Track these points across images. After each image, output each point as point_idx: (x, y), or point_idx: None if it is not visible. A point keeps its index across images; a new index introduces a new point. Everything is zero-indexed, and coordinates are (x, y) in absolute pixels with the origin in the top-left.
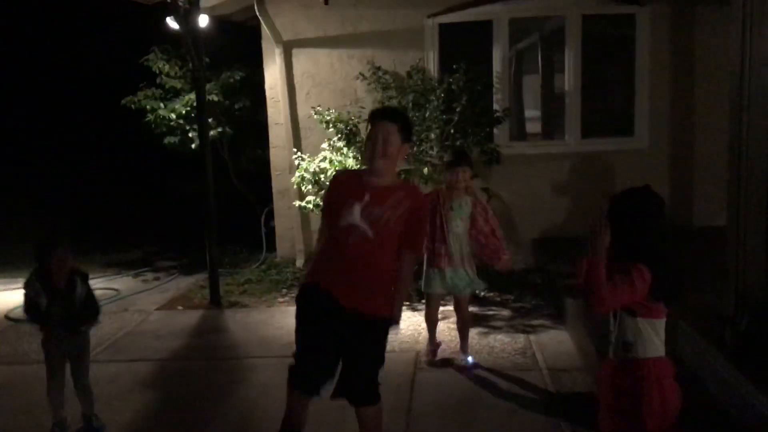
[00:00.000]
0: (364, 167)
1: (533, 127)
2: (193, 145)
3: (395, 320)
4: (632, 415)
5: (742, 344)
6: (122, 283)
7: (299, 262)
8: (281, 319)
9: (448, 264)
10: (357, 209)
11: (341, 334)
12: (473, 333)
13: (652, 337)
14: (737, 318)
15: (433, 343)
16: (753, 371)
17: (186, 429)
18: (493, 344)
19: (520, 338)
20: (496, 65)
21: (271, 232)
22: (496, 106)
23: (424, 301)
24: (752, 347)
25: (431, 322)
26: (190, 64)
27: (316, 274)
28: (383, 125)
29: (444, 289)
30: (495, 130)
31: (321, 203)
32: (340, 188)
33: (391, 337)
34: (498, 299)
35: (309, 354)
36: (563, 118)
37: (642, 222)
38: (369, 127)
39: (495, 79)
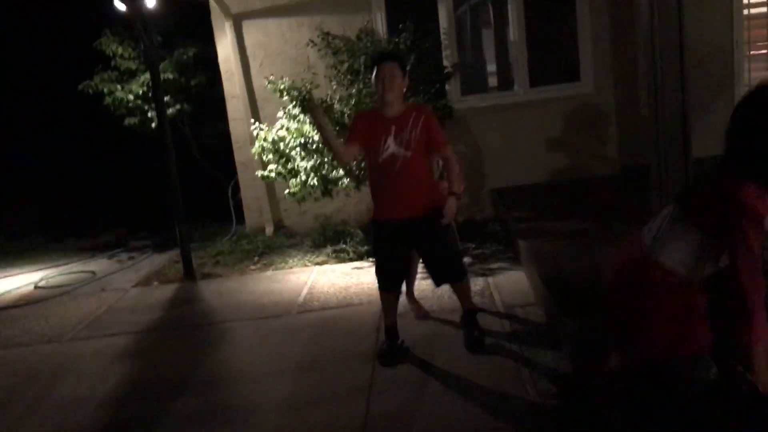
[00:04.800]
0: (375, 107)
1: (485, 81)
2: (153, 125)
3: (458, 195)
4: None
5: None
6: (98, 265)
7: (268, 230)
8: (254, 285)
9: None
10: (390, 140)
11: (414, 241)
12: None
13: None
14: None
15: None
16: None
17: (165, 388)
18: None
19: (479, 281)
20: (443, 22)
21: (239, 204)
22: (445, 63)
23: None
24: None
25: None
26: (142, 45)
27: (378, 208)
28: (387, 65)
29: None
30: (447, 86)
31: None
32: (367, 129)
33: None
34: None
35: (387, 265)
36: (513, 69)
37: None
38: (375, 70)
39: (443, 36)
